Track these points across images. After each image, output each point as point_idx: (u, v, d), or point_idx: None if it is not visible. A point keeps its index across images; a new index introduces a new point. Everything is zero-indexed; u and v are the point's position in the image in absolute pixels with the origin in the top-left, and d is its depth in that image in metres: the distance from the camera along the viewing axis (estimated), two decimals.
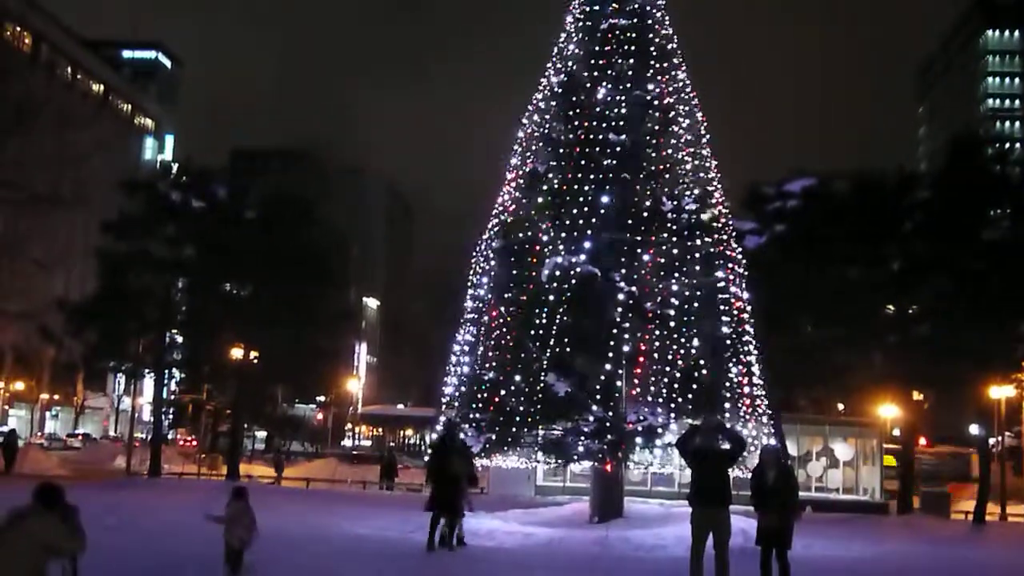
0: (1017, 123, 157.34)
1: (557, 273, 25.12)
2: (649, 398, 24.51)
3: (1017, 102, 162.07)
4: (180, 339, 49.35)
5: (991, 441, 46.34)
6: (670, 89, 27.06)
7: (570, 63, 27.47)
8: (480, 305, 26.40)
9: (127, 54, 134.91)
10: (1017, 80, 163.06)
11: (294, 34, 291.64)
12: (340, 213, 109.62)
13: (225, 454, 50.19)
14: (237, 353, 45.72)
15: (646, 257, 25.40)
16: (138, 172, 78.60)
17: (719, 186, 27.54)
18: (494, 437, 23.92)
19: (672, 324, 24.96)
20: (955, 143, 44.92)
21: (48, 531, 8.54)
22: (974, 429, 48.49)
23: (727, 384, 25.30)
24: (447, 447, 20.87)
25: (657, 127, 26.68)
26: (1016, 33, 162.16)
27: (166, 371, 50.53)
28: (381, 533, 21.65)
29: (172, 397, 60.85)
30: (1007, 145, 61.12)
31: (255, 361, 47.09)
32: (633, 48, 27.04)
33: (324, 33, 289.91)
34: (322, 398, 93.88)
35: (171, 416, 63.01)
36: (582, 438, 24.22)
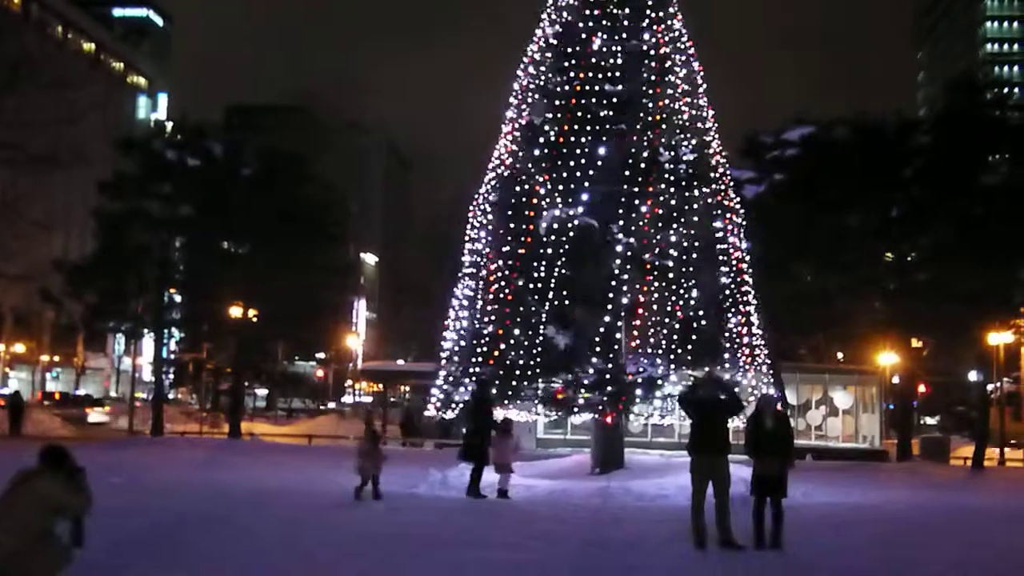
0: (1016, 67, 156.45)
1: (555, 226, 25.07)
2: (648, 349, 24.55)
3: (1016, 46, 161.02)
4: (179, 298, 49.39)
5: (990, 387, 46.46)
6: (666, 39, 26.84)
7: (565, 14, 27.21)
8: (478, 259, 26.37)
9: (118, 12, 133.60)
10: (1016, 24, 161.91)
11: None
12: (338, 168, 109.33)
13: (227, 412, 50.30)
14: (236, 311, 45.70)
15: (644, 208, 25.32)
16: (132, 131, 78.07)
17: (717, 136, 27.44)
18: (494, 390, 23.96)
19: (671, 275, 24.95)
20: (954, 88, 44.72)
21: (55, 491, 8.57)
22: (973, 375, 48.59)
23: (726, 334, 25.35)
24: (481, 402, 21.46)
25: (653, 77, 26.47)
26: None
27: (166, 330, 50.59)
28: (384, 487, 21.72)
29: (172, 356, 60.90)
30: (1006, 89, 60.98)
31: (255, 319, 47.09)
32: None
33: None
34: (322, 355, 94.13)
35: (171, 376, 63.01)
36: (583, 390, 24.26)
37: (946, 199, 38.48)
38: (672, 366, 24.42)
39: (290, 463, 28.73)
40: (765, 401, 14.90)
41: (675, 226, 25.44)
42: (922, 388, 60.81)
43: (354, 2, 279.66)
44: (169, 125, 58.34)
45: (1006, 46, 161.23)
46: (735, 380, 24.13)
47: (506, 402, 24.34)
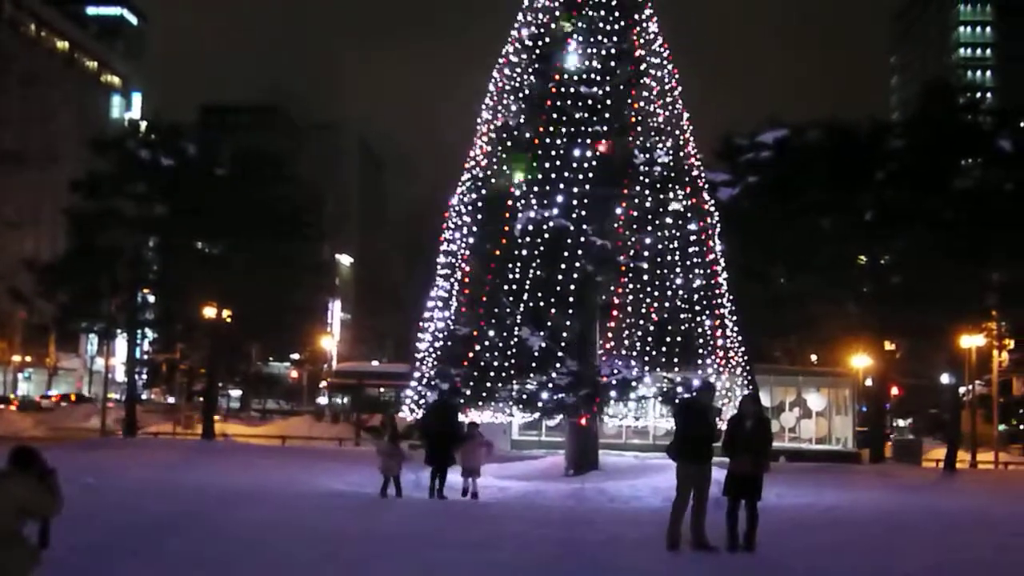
0: (988, 72, 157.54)
1: (530, 227, 25.08)
2: (623, 351, 24.60)
3: (989, 51, 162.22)
4: (152, 298, 49.08)
5: (962, 390, 46.76)
6: (641, 41, 26.91)
7: (541, 15, 27.23)
8: (453, 260, 26.35)
9: (92, 10, 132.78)
10: (989, 29, 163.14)
11: None
12: (313, 169, 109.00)
13: (200, 413, 50.04)
14: (210, 311, 45.48)
15: (619, 210, 25.37)
16: (106, 130, 77.56)
17: (692, 138, 27.52)
18: (469, 391, 23.95)
19: (645, 277, 25.01)
20: (927, 92, 45.01)
21: (24, 493, 8.48)
22: (945, 378, 48.90)
23: (700, 336, 25.41)
24: (445, 406, 21.53)
25: (629, 80, 26.54)
26: None
27: (139, 331, 50.28)
28: (357, 489, 21.68)
29: (146, 357, 60.53)
30: (978, 94, 61.40)
31: (229, 319, 46.87)
32: (603, 1, 26.83)
33: None
34: (296, 356, 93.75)
35: (145, 376, 62.66)
36: (557, 392, 24.28)
37: (919, 202, 38.69)
38: (646, 368, 24.47)
39: (264, 464, 28.62)
40: (747, 402, 14.91)
41: (650, 228, 25.51)
42: (895, 391, 61.09)
43: (330, 2, 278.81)
44: (143, 124, 57.91)
45: (979, 51, 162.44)
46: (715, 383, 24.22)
47: (480, 403, 24.33)
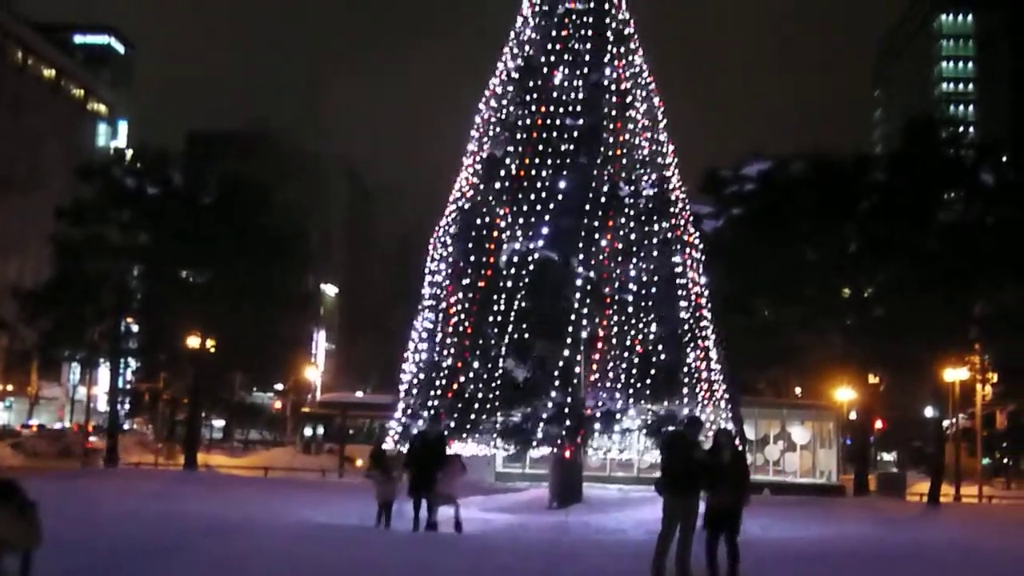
0: (971, 106, 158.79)
1: (515, 258, 25.09)
2: (608, 383, 24.57)
3: (970, 86, 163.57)
4: (136, 327, 48.87)
5: (945, 423, 46.84)
6: (627, 73, 27.06)
7: (527, 48, 27.37)
8: (438, 291, 26.32)
9: (79, 39, 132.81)
10: (970, 64, 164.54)
11: (254, 18, 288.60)
12: (299, 198, 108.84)
13: (182, 443, 49.76)
14: (194, 340, 45.29)
15: (604, 242, 25.41)
16: (92, 158, 77.43)
17: (676, 170, 27.63)
18: (453, 423, 23.87)
19: (630, 309, 25.02)
20: (910, 126, 45.25)
21: (5, 526, 8.40)
22: (929, 411, 48.99)
23: (685, 368, 25.41)
24: (428, 437, 21.22)
25: (614, 111, 26.65)
26: (969, 17, 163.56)
27: (122, 359, 50.01)
28: (341, 520, 21.57)
29: (128, 386, 60.18)
30: (960, 128, 61.86)
31: (213, 348, 46.68)
32: (590, 32, 27.01)
33: (285, 17, 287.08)
34: (280, 386, 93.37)
35: (127, 405, 62.31)
36: (541, 423, 24.20)
37: (902, 235, 38.88)
38: (631, 400, 24.44)
39: (246, 495, 28.44)
40: (723, 435, 14.91)
41: (634, 260, 25.55)
42: (879, 423, 61.17)
43: (319, 31, 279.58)
44: (129, 152, 57.80)
45: (960, 85, 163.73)
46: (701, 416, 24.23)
47: (464, 435, 24.24)
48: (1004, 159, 44.24)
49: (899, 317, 39.04)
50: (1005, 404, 67.85)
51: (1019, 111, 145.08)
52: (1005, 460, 72.31)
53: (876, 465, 61.89)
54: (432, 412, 24.05)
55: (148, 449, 55.72)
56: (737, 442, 23.34)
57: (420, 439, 21.31)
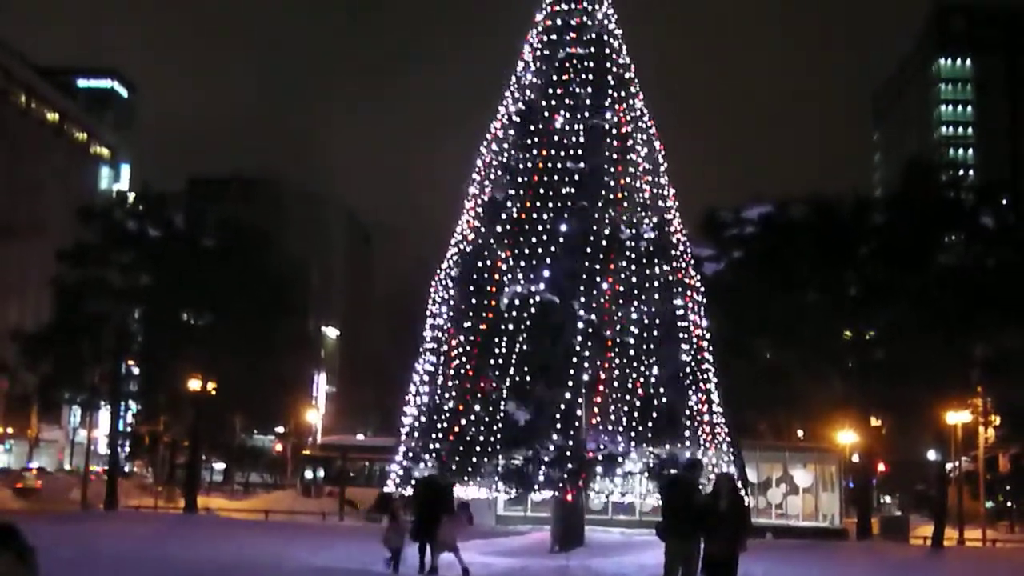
0: (970, 150, 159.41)
1: (516, 301, 25.12)
2: (609, 426, 24.51)
3: (969, 129, 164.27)
4: (136, 369, 48.86)
5: (948, 466, 46.68)
6: (627, 117, 27.20)
7: (528, 92, 27.54)
8: (439, 334, 26.33)
9: (82, 82, 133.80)
10: (969, 108, 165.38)
11: (254, 61, 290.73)
12: (299, 240, 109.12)
13: (182, 486, 49.58)
14: (195, 383, 45.26)
15: (605, 285, 25.44)
16: (94, 201, 77.78)
17: (677, 213, 27.72)
18: (454, 466, 23.80)
19: (631, 352, 25.00)
20: (909, 169, 45.50)
21: (2, 572, 8.35)
22: (931, 454, 48.84)
23: (687, 411, 25.35)
24: (436, 485, 21.43)
25: (615, 155, 26.76)
26: (968, 61, 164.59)
27: (122, 402, 49.95)
28: (342, 564, 21.47)
29: (128, 428, 60.05)
30: (960, 172, 62.18)
31: (213, 391, 46.65)
32: (590, 77, 27.17)
33: (285, 60, 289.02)
34: (281, 428, 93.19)
35: (128, 448, 62.14)
36: (543, 467, 24.13)
37: (902, 278, 38.97)
38: (632, 443, 24.37)
39: (246, 538, 28.30)
40: (721, 480, 14.86)
41: (636, 303, 25.56)
42: (881, 467, 60.98)
43: (319, 74, 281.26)
44: (131, 195, 58.02)
45: (959, 129, 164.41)
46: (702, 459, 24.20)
47: (466, 478, 24.17)
48: (1004, 202, 44.40)
49: (900, 360, 39.05)
50: (1008, 447, 67.63)
51: (1018, 154, 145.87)
52: (1008, 503, 71.89)
53: (879, 508, 61.56)
54: (438, 458, 24.04)
55: (148, 492, 55.47)
56: (739, 485, 23.32)
57: (426, 485, 21.34)
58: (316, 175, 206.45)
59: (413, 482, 24.41)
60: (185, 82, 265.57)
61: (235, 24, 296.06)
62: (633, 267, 25.75)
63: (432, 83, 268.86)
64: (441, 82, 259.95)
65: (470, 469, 24.09)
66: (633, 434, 24.33)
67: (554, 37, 27.86)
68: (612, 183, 26.53)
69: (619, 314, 25.49)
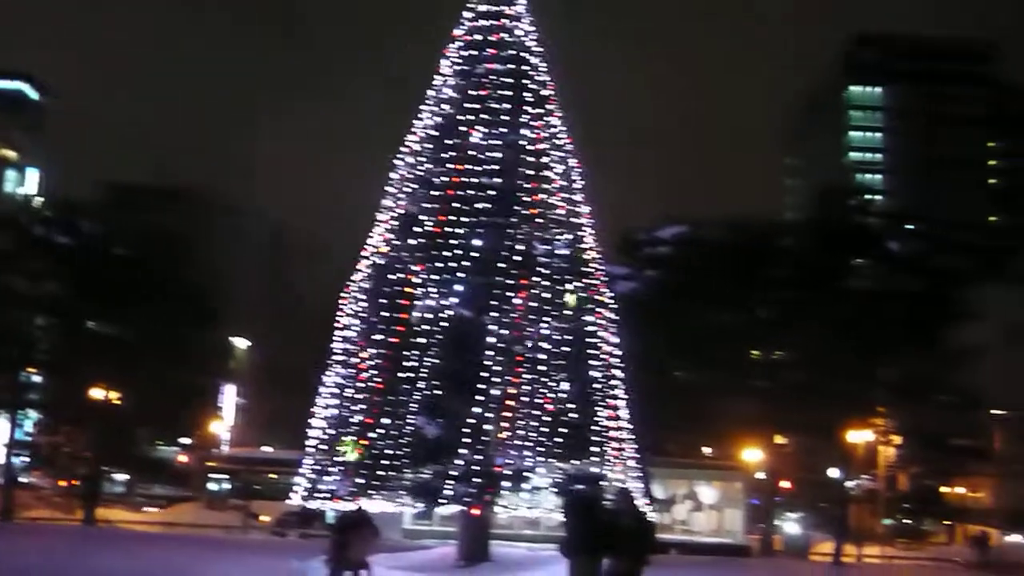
0: (879, 175, 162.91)
1: (428, 315, 25.07)
2: (518, 441, 24.53)
3: (879, 155, 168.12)
4: (39, 378, 47.74)
5: (850, 484, 47.55)
6: (544, 135, 27.31)
7: (445, 106, 27.52)
8: (350, 346, 26.14)
9: None
10: (879, 134, 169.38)
11: (177, 70, 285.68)
12: (216, 251, 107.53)
13: (82, 498, 48.49)
14: (99, 393, 44.33)
15: (517, 300, 25.49)
16: None
17: (592, 231, 27.88)
18: (362, 480, 23.64)
19: (542, 368, 25.07)
20: (821, 194, 46.39)
21: None
22: (834, 473, 49.73)
23: (596, 428, 25.49)
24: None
25: (531, 172, 26.83)
26: (879, 89, 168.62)
27: (22, 411, 48.77)
28: None
29: (28, 439, 58.50)
30: (869, 196, 63.61)
31: (118, 401, 45.75)
32: (509, 93, 27.24)
33: (209, 69, 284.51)
34: (187, 440, 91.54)
35: (27, 459, 60.45)
36: (450, 481, 24.06)
37: (811, 301, 39.67)
38: (541, 458, 24.42)
39: (148, 551, 27.79)
40: (623, 498, 14.94)
41: (548, 319, 25.64)
42: (786, 484, 61.85)
43: (240, 83, 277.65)
44: (39, 200, 56.84)
45: (869, 154, 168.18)
46: (605, 475, 24.36)
47: (373, 493, 24.01)
48: (911, 228, 45.53)
49: (808, 381, 39.71)
50: (908, 466, 69.06)
51: (925, 181, 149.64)
52: (907, 521, 73.36)
53: (782, 526, 62.41)
54: (344, 472, 23.86)
55: (47, 504, 54.13)
56: (647, 502, 23.51)
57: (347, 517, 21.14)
58: (237, 186, 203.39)
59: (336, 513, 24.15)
60: (110, 90, 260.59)
61: (167, 34, 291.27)
62: (546, 284, 25.84)
63: (369, 97, 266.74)
64: (376, 97, 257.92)
65: (377, 483, 23.95)
66: (542, 449, 24.38)
67: (473, 52, 27.88)
68: (527, 199, 26.59)
69: (531, 330, 25.55)
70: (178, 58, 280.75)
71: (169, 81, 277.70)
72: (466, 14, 28.28)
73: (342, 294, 27.04)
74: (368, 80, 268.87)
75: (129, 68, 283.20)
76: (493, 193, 26.18)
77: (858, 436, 43.00)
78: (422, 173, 26.99)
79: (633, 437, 27.08)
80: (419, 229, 26.16)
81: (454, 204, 25.98)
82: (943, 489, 67.21)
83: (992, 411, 57.22)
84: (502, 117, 27.04)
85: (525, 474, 24.28)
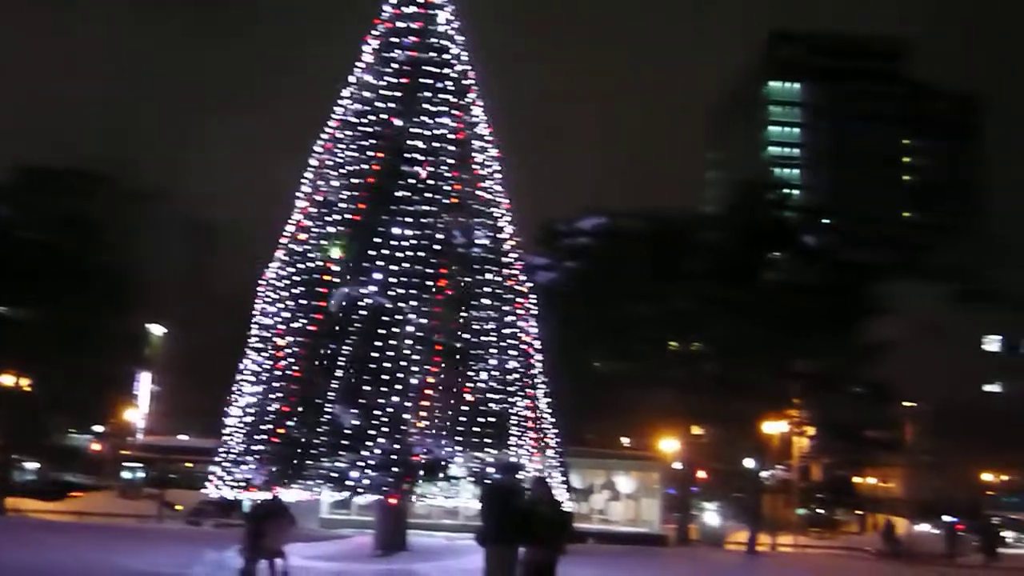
0: (797, 169, 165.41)
1: (346, 303, 24.93)
2: (436, 430, 24.53)
3: (797, 150, 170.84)
4: None
5: (764, 474, 48.28)
6: (465, 124, 27.29)
7: (366, 93, 27.36)
8: (267, 333, 25.90)
9: None
10: (797, 129, 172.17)
11: (109, 57, 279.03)
12: (136, 237, 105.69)
13: None
14: (8, 379, 43.38)
15: (436, 290, 25.46)
16: None
17: (512, 222, 27.93)
18: (277, 468, 23.47)
19: (461, 357, 25.08)
20: (739, 188, 46.94)
21: None
22: (749, 463, 50.44)
23: (514, 417, 25.57)
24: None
25: (451, 161, 26.80)
26: (797, 84, 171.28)
27: None
28: (161, 570, 20.93)
29: None
30: (787, 190, 64.49)
31: (29, 388, 44.80)
32: (429, 82, 27.17)
33: (138, 52, 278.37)
34: (100, 427, 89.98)
35: None
36: (367, 470, 23.97)
37: (729, 293, 40.14)
38: (459, 448, 24.44)
39: (59, 541, 27.29)
40: (539, 487, 15.01)
41: (466, 308, 25.66)
42: (703, 475, 62.61)
43: (175, 73, 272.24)
44: None
45: (787, 149, 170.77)
46: (522, 464, 24.44)
47: (289, 481, 23.84)
48: (826, 222, 46.31)
49: (724, 373, 40.21)
50: (821, 457, 70.26)
51: (839, 176, 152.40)
52: (820, 511, 74.65)
53: (698, 515, 63.16)
54: (260, 460, 23.65)
55: None
56: (564, 491, 23.65)
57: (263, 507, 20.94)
58: (161, 172, 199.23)
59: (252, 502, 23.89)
60: (32, 72, 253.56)
61: (91, 16, 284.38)
62: (465, 273, 25.85)
63: (298, 86, 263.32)
64: (303, 85, 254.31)
65: (292, 472, 23.79)
66: (460, 439, 24.41)
67: (395, 40, 27.75)
68: (447, 189, 26.57)
69: (449, 319, 25.54)
70: (112, 42, 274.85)
71: (100, 66, 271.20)
72: (390, 1, 28.12)
73: (260, 281, 26.78)
74: (314, 76, 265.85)
75: (57, 51, 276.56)
76: (412, 181, 26.11)
77: (773, 427, 43.62)
78: (341, 160, 26.83)
79: (551, 427, 27.22)
80: (337, 216, 26.01)
81: (373, 192, 25.86)
82: (855, 479, 68.51)
83: (903, 403, 58.42)
84: (423, 105, 26.97)
85: (443, 463, 24.30)
